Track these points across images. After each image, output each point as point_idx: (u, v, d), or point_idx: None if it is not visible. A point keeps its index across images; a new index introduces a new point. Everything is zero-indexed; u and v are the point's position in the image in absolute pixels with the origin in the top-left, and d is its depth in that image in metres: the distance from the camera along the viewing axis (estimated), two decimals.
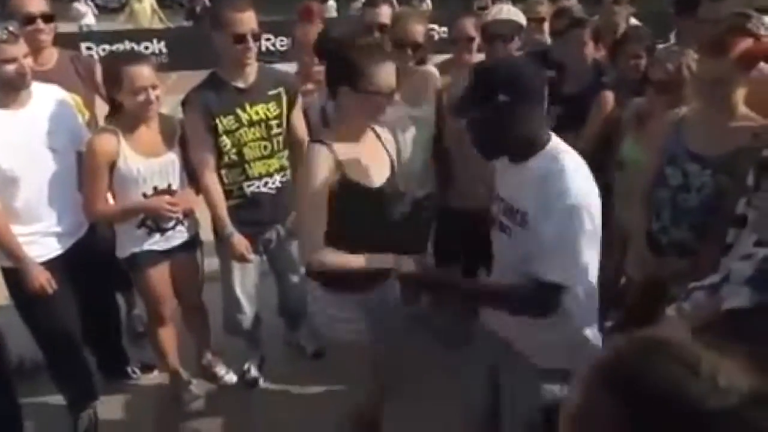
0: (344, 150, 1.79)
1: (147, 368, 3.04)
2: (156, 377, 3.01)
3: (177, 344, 2.80)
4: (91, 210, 2.35)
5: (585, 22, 2.70)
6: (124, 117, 2.30)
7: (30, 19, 2.48)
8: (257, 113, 2.40)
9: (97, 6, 13.63)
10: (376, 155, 1.91)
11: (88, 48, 9.72)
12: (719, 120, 1.87)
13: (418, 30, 2.56)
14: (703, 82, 1.86)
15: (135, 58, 2.30)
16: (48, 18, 2.54)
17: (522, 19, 2.57)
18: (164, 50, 10.12)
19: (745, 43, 1.74)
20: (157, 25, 11.22)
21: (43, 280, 2.29)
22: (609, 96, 2.67)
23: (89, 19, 11.64)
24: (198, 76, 2.52)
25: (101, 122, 2.86)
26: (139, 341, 3.19)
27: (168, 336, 2.75)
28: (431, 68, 2.80)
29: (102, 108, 2.93)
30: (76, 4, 11.94)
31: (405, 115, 2.64)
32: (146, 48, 9.85)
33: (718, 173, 1.89)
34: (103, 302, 2.81)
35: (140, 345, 3.15)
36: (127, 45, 9.89)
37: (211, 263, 2.79)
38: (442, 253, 3.00)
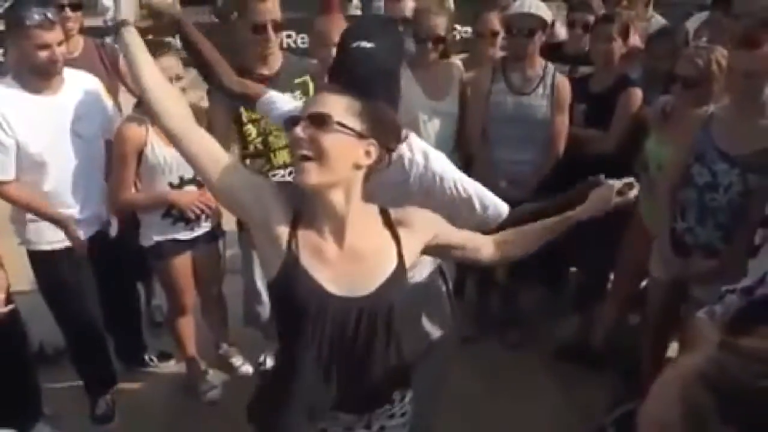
0: None
1: (164, 357, 3.06)
2: (173, 366, 3.03)
3: (195, 334, 2.83)
4: (118, 197, 2.37)
5: (613, 17, 2.66)
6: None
7: (59, 7, 2.50)
8: None
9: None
10: None
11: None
12: (749, 118, 1.84)
13: (438, 23, 2.54)
14: (735, 75, 1.82)
15: (159, 49, 2.31)
16: (76, 6, 2.58)
17: (547, 15, 2.54)
18: None
19: None
20: None
21: (81, 237, 2.33)
22: (637, 93, 2.63)
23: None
24: None
25: (124, 110, 2.89)
26: (158, 330, 3.21)
27: (187, 325, 2.77)
28: (455, 61, 2.78)
29: (125, 96, 2.98)
30: None
31: (428, 109, 2.63)
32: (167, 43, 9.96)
33: (746, 172, 1.85)
34: (123, 290, 2.83)
35: (158, 334, 3.17)
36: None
37: (231, 255, 2.82)
38: None
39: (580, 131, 2.71)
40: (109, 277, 2.57)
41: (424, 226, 1.37)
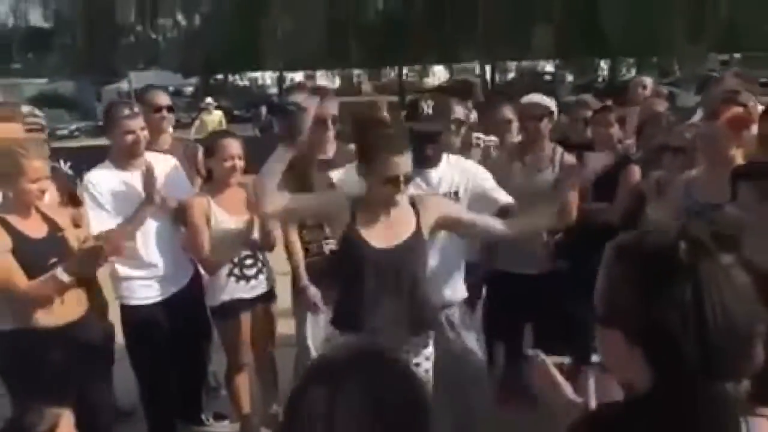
0: None
1: (219, 417, 3.33)
2: (227, 426, 3.28)
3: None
4: (200, 256, 2.82)
5: (610, 107, 3.18)
6: (214, 183, 2.85)
7: (158, 109, 3.11)
8: None
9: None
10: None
11: None
12: (719, 173, 2.23)
13: (457, 109, 3.07)
14: (702, 140, 2.26)
15: (228, 134, 2.90)
16: (170, 109, 3.20)
17: (551, 105, 3.06)
18: None
19: (735, 111, 2.15)
20: None
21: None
22: (635, 170, 3.06)
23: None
24: None
25: None
26: (212, 393, 3.51)
27: (243, 383, 3.04)
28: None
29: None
30: None
31: None
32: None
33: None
34: (193, 352, 3.14)
35: (213, 397, 3.47)
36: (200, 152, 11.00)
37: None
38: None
39: (588, 205, 3.12)
40: (181, 337, 2.90)
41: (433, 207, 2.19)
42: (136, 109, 2.76)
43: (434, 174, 2.55)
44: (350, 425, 0.83)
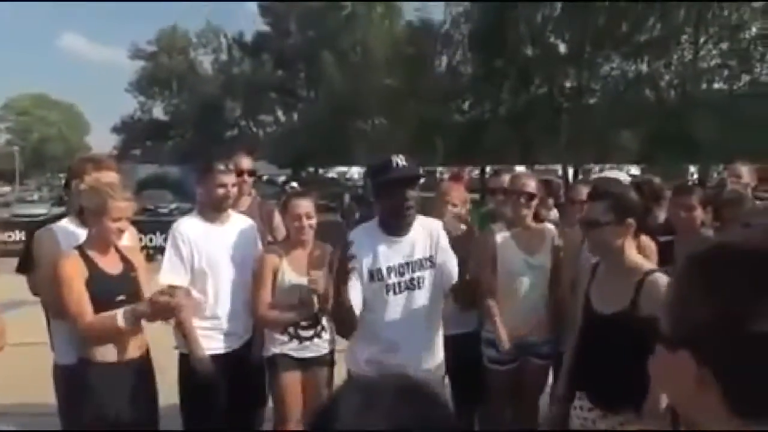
0: None
1: None
2: None
3: None
4: (256, 314, 2.85)
5: (691, 188, 3.02)
6: (286, 240, 2.91)
7: (240, 172, 3.31)
8: None
9: None
10: None
11: None
12: None
13: (528, 183, 3.03)
14: None
15: (301, 194, 2.99)
16: (251, 173, 3.40)
17: (625, 181, 2.96)
18: None
19: None
20: None
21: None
22: None
23: None
24: None
25: None
26: None
27: None
28: (548, 225, 3.18)
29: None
30: None
31: (522, 263, 3.00)
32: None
33: None
34: (245, 409, 3.08)
35: None
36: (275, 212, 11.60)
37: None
38: None
39: None
40: (235, 393, 2.88)
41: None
42: (231, 167, 2.98)
43: None
44: None
